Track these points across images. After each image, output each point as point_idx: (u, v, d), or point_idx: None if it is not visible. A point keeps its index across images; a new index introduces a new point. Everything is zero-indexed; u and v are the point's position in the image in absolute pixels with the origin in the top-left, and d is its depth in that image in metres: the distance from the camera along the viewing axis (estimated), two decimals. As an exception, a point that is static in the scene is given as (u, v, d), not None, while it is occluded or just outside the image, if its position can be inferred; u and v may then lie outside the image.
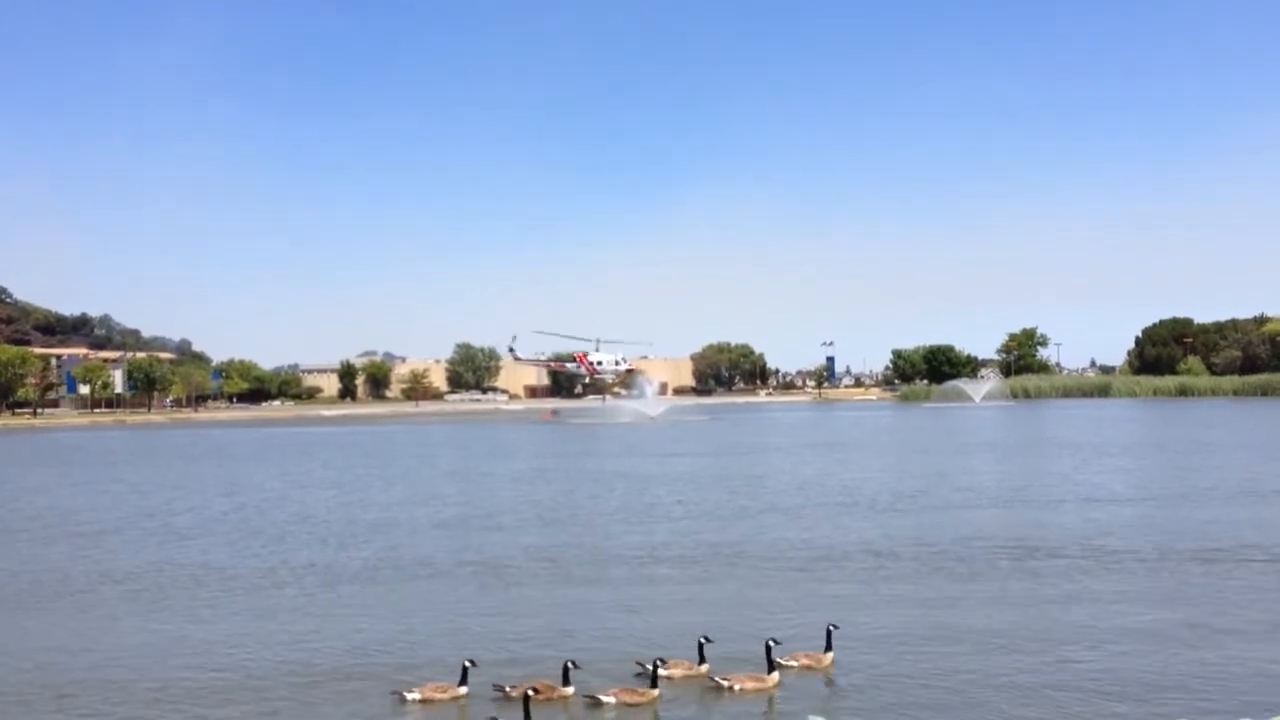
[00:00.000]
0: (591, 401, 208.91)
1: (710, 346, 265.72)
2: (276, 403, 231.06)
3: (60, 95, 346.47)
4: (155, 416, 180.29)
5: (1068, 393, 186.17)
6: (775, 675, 15.72)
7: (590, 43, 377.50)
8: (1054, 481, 43.24)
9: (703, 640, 16.41)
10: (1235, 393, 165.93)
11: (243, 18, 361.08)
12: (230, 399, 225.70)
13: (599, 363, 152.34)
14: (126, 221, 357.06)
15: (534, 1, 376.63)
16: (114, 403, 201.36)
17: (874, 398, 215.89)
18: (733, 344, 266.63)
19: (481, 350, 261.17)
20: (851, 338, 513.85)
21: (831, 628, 16.82)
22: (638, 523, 33.17)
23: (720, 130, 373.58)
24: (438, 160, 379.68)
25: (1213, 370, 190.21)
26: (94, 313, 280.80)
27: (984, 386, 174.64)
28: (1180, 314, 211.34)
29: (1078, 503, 35.80)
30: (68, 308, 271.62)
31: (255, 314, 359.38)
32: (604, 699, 15.06)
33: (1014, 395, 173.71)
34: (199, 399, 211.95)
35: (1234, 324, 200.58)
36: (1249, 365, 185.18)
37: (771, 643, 16.01)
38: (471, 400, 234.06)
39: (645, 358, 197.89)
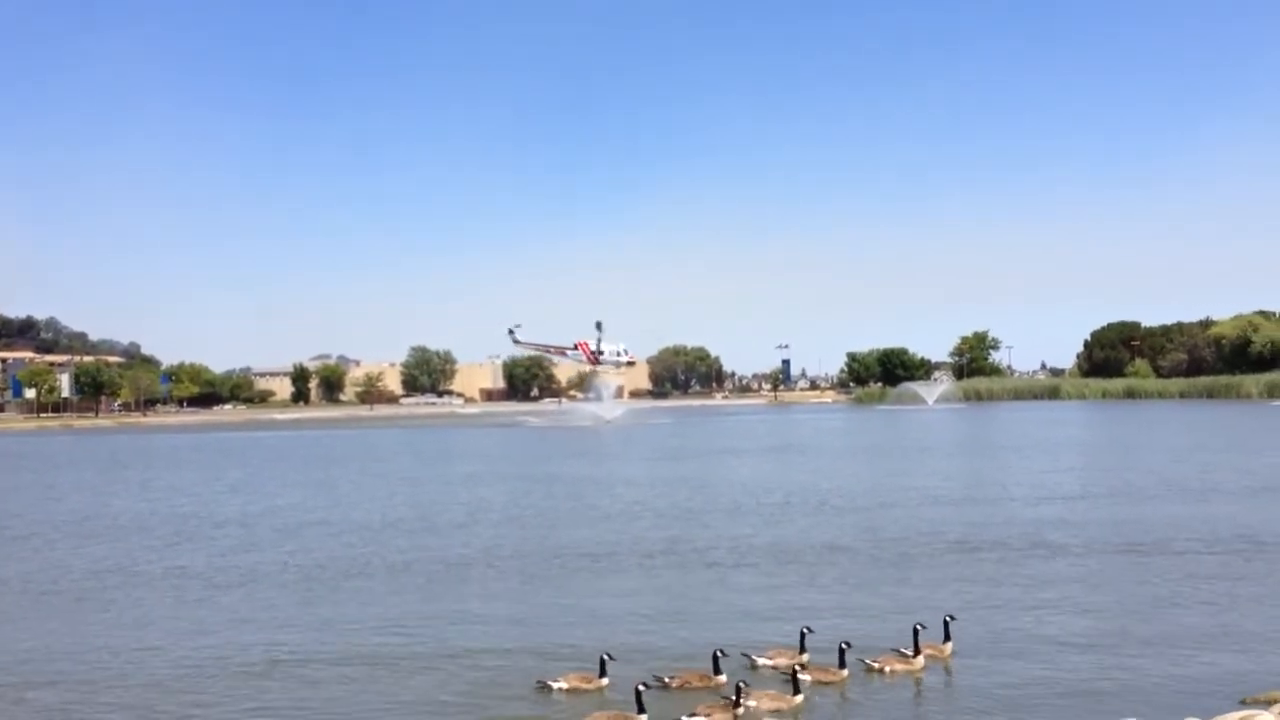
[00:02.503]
0: (548, 404, 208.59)
1: (666, 349, 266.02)
2: (228, 406, 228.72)
3: (7, 96, 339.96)
4: (103, 421, 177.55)
5: (1019, 395, 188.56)
6: (920, 659, 16.27)
7: (546, 46, 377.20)
8: (999, 481, 44.08)
9: (805, 630, 16.77)
10: (1181, 395, 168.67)
11: (197, 19, 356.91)
12: (180, 403, 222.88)
13: (600, 352, 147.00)
14: (73, 223, 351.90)
15: (493, 5, 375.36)
16: (61, 407, 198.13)
17: (829, 400, 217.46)
18: (689, 347, 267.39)
19: (437, 353, 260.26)
20: (807, 341, 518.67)
21: (949, 618, 17.19)
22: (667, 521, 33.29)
23: (674, 133, 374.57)
24: (391, 162, 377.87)
25: (1159, 373, 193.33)
26: (40, 315, 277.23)
27: (937, 389, 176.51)
28: (1128, 317, 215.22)
29: (1021, 501, 36.55)
30: (13, 310, 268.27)
31: (206, 316, 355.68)
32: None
33: (966, 398, 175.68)
34: (148, 403, 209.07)
35: (1180, 327, 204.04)
36: (1194, 368, 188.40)
37: (920, 626, 16.57)
38: (427, 403, 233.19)
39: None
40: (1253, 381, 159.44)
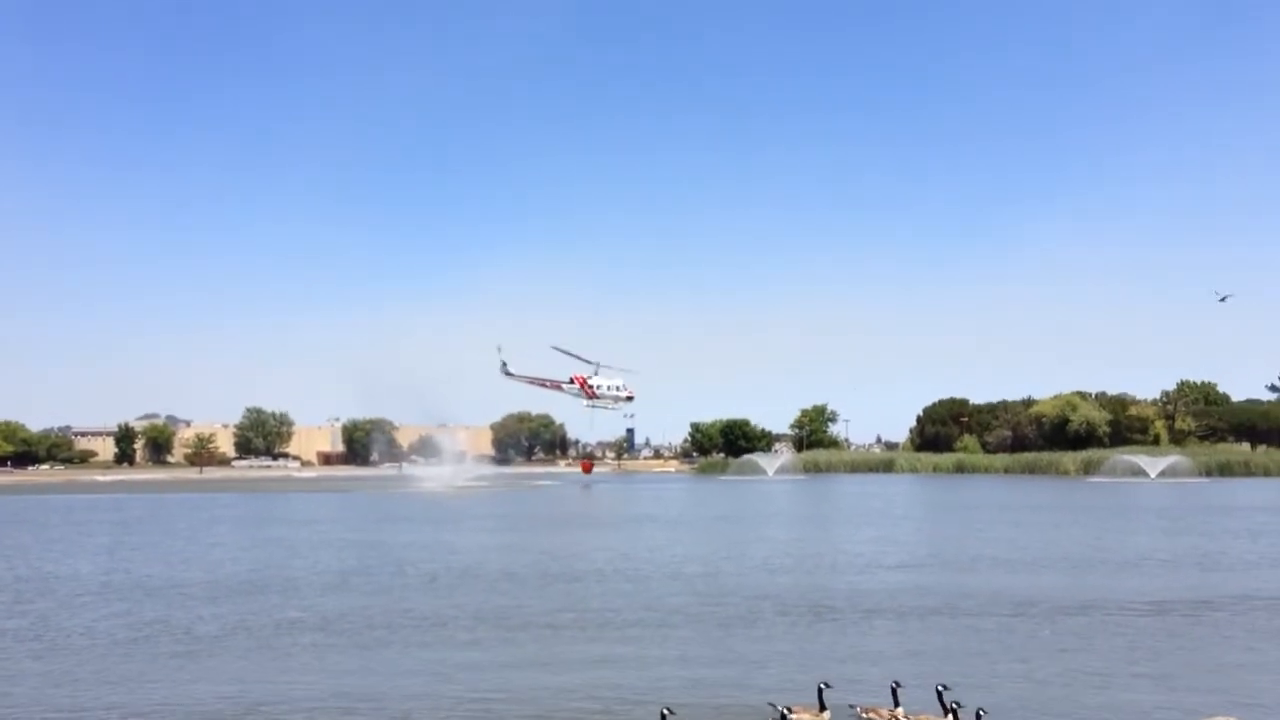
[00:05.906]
0: (388, 469, 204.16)
1: (510, 416, 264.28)
2: (45, 467, 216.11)
3: None
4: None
5: (855, 468, 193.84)
6: None
7: (386, 104, 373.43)
8: (828, 549, 45.32)
9: (822, 686, 17.05)
10: (1006, 470, 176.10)
11: (16, 69, 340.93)
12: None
13: (597, 386, 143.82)
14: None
15: (336, 55, 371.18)
16: None
17: (673, 470, 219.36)
18: (533, 414, 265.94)
19: (273, 415, 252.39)
20: (651, 410, 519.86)
21: (941, 688, 17.35)
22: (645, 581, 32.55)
23: (517, 196, 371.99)
24: (226, 218, 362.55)
25: (986, 448, 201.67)
26: None
27: (777, 460, 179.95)
28: (958, 394, 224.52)
29: (844, 569, 37.70)
30: None
31: (21, 370, 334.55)
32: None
33: (806, 469, 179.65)
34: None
35: (1005, 405, 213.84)
36: (1018, 444, 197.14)
37: (941, 688, 17.26)
38: (262, 466, 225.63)
39: (445, 426, 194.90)
40: (1070, 458, 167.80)
